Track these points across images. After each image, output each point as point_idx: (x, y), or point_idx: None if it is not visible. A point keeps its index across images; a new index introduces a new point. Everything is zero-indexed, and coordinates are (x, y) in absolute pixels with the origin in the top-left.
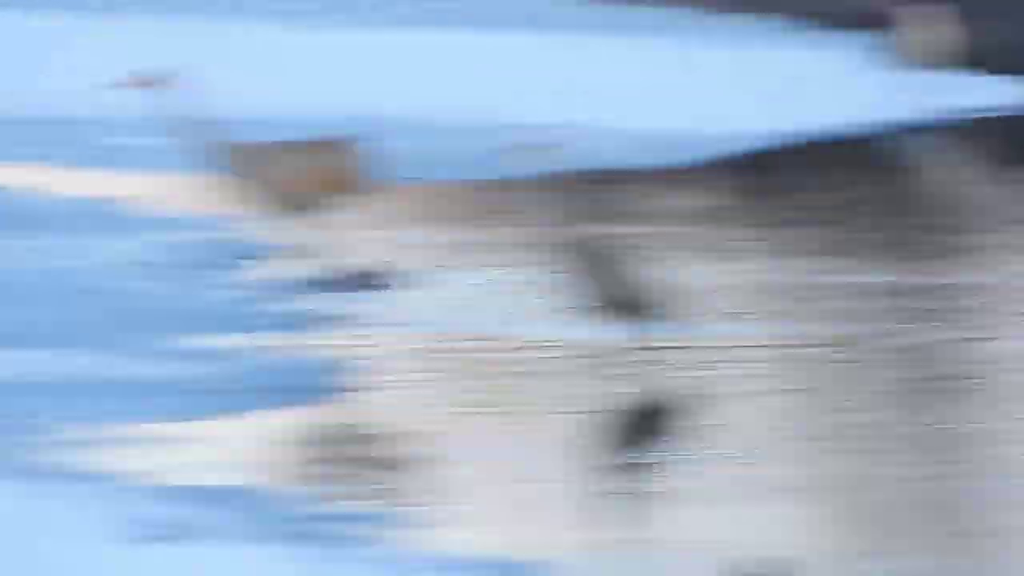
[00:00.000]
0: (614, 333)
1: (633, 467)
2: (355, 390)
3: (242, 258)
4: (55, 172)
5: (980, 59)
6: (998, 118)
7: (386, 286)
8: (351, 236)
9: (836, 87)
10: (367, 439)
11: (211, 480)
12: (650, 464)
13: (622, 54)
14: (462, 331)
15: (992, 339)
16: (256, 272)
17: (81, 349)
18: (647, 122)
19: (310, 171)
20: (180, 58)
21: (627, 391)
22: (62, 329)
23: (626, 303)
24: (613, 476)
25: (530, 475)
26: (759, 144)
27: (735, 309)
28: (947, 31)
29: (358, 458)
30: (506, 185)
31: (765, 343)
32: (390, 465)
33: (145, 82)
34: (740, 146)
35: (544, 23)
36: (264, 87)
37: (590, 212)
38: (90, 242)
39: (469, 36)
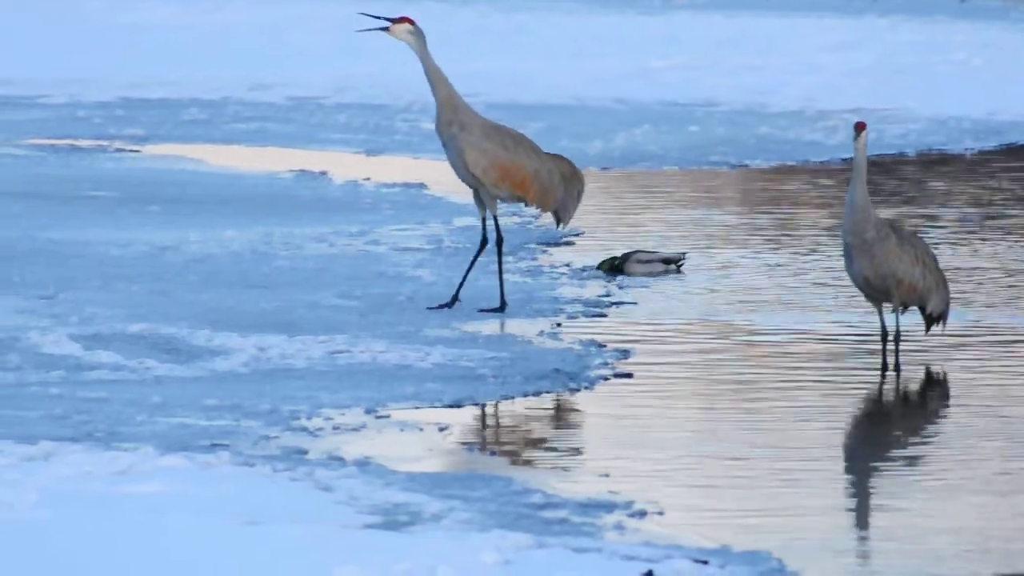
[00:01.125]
0: (886, 319)
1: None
2: (623, 376)
3: (535, 244)
4: (360, 157)
5: None
6: None
7: (677, 270)
8: (637, 222)
9: None
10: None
11: (456, 467)
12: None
13: (951, 39)
14: (735, 318)
15: None
16: (547, 258)
17: (352, 334)
18: (971, 108)
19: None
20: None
21: (891, 377)
22: (337, 314)
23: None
24: (874, 466)
25: (790, 466)
26: None
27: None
28: None
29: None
30: (816, 167)
31: None
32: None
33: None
34: None
35: (866, 7)
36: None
37: (900, 196)
38: (384, 227)
39: (796, 22)
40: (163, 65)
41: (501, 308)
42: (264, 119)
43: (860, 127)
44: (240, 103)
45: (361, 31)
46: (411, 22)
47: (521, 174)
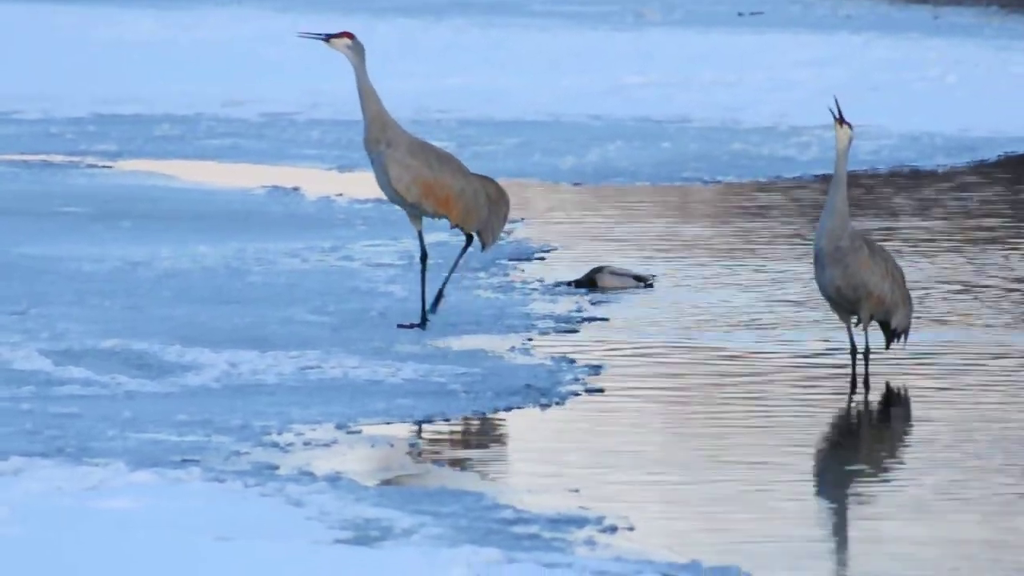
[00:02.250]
0: (857, 336)
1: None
2: (594, 391)
3: (507, 260)
4: (333, 173)
5: None
6: None
7: (648, 286)
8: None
9: None
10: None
11: (426, 482)
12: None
13: (925, 56)
14: (706, 334)
15: None
16: (519, 274)
17: (324, 350)
18: (944, 124)
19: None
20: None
21: (865, 396)
22: (309, 330)
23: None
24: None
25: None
26: None
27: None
28: None
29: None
30: (790, 183)
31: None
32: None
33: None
34: None
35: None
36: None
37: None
38: (356, 243)
39: (771, 38)
40: (136, 81)
41: (422, 324)
42: (237, 135)
43: (844, 122)
44: (213, 119)
45: (303, 35)
46: (351, 36)
47: (444, 192)
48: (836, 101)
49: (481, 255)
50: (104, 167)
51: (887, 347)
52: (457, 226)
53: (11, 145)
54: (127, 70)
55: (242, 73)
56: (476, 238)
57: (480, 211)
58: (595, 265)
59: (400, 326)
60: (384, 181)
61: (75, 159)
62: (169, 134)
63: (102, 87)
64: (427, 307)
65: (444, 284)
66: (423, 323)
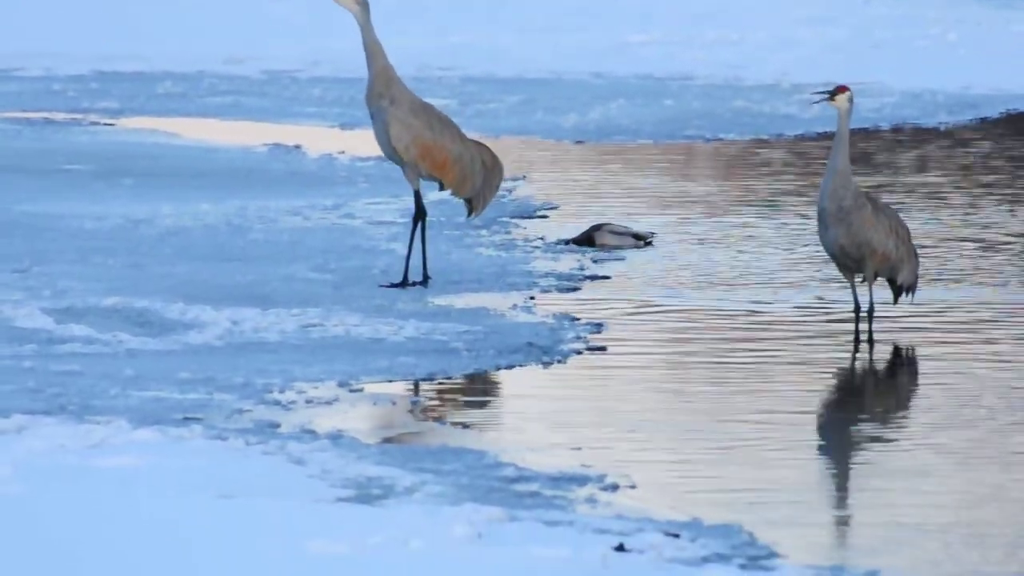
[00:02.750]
0: (860, 295)
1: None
2: (596, 349)
3: (508, 218)
4: (335, 131)
5: None
6: None
7: (648, 244)
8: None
9: None
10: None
11: (428, 440)
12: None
13: (927, 13)
14: (708, 292)
15: None
16: (521, 231)
17: (326, 307)
18: (945, 82)
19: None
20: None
21: (866, 354)
22: (311, 287)
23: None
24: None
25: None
26: None
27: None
28: None
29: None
30: (791, 141)
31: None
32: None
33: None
34: None
35: None
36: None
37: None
38: (358, 201)
39: None
40: (138, 38)
41: (424, 282)
42: (239, 93)
43: (839, 90)
44: (215, 77)
45: None
46: None
47: (442, 155)
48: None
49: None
50: (106, 124)
51: (895, 303)
52: (451, 190)
53: (13, 102)
54: (129, 27)
55: (244, 30)
56: (465, 204)
57: (475, 178)
58: (595, 223)
59: (382, 286)
60: (384, 138)
61: (77, 116)
62: (171, 91)
63: (104, 44)
64: (415, 269)
65: (409, 252)
66: (422, 282)
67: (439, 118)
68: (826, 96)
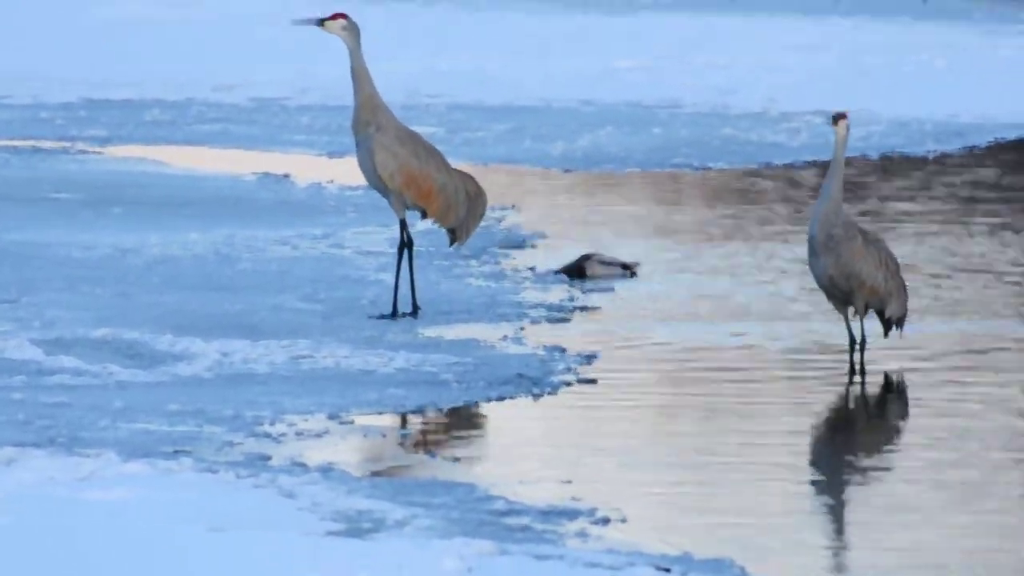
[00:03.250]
0: (851, 326)
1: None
2: (586, 381)
3: (498, 248)
4: (323, 160)
5: None
6: None
7: (632, 274)
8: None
9: None
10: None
11: (418, 473)
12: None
13: (915, 40)
14: (698, 323)
15: None
16: (510, 262)
17: (315, 339)
18: (933, 109)
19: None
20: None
21: (854, 388)
22: (300, 318)
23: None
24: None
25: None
26: None
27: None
28: None
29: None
30: (780, 170)
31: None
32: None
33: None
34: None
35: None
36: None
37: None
38: (347, 230)
39: (761, 23)
40: (127, 65)
41: (413, 313)
42: (227, 120)
43: (840, 117)
44: (203, 104)
45: (297, 22)
46: (345, 17)
47: (427, 184)
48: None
49: (471, 243)
50: (94, 153)
51: (885, 335)
52: (434, 220)
53: (1, 130)
54: (117, 54)
55: (233, 57)
56: (448, 234)
57: (459, 208)
58: (584, 254)
59: (371, 317)
60: (369, 166)
61: (65, 144)
62: (159, 119)
63: (93, 72)
64: (404, 299)
65: (396, 283)
66: (412, 312)
67: (424, 147)
68: (831, 119)
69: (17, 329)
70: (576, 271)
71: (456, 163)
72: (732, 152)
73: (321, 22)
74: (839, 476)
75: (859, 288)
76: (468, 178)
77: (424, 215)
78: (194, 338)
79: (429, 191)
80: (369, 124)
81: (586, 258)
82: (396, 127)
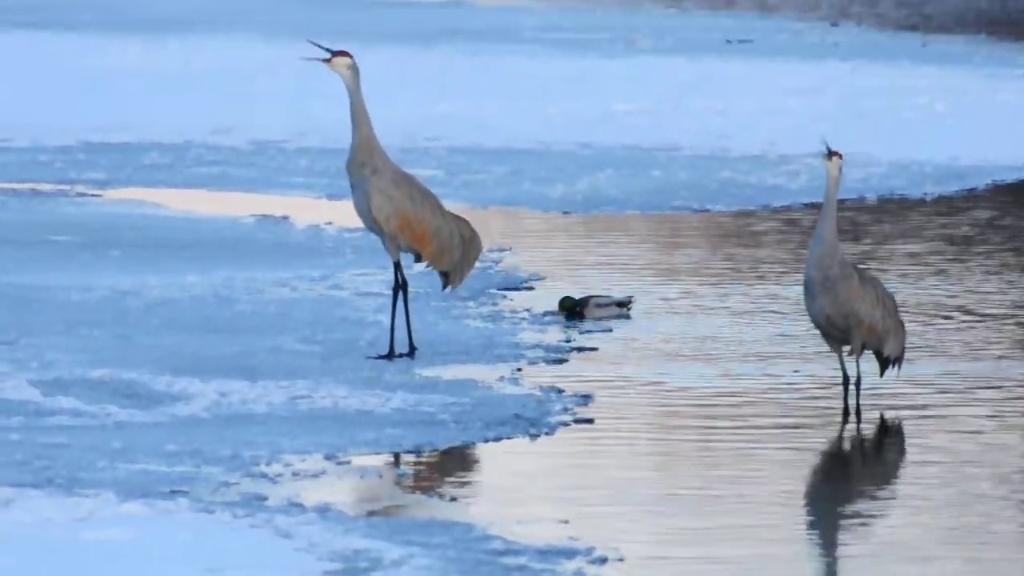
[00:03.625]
0: (846, 364)
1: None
2: (583, 421)
3: (496, 289)
4: (322, 202)
5: None
6: None
7: (627, 316)
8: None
9: None
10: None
11: (416, 513)
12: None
13: (914, 83)
14: (696, 364)
15: None
16: (508, 303)
17: (313, 379)
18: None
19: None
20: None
21: (851, 424)
22: (298, 359)
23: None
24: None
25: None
26: None
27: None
28: None
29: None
30: (778, 212)
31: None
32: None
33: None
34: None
35: (829, 52)
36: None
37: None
38: (345, 272)
39: (760, 66)
40: (125, 109)
41: (410, 354)
42: (226, 163)
43: (834, 154)
44: (202, 147)
45: (305, 59)
46: (350, 56)
47: (422, 228)
48: (825, 141)
49: (469, 285)
50: (93, 195)
51: (881, 375)
52: (428, 264)
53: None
54: (116, 98)
55: (231, 101)
56: (441, 277)
57: (453, 252)
58: (580, 295)
59: (369, 358)
60: (364, 208)
61: (64, 187)
62: (158, 162)
63: (91, 115)
64: (400, 341)
65: (392, 324)
66: (409, 353)
67: (420, 190)
68: (825, 153)
69: (15, 370)
70: (573, 313)
71: (456, 205)
72: (731, 194)
73: (328, 59)
74: (834, 515)
75: (857, 327)
76: (463, 222)
77: (418, 258)
78: (192, 379)
79: (424, 235)
80: (365, 165)
81: (584, 301)
82: (392, 170)
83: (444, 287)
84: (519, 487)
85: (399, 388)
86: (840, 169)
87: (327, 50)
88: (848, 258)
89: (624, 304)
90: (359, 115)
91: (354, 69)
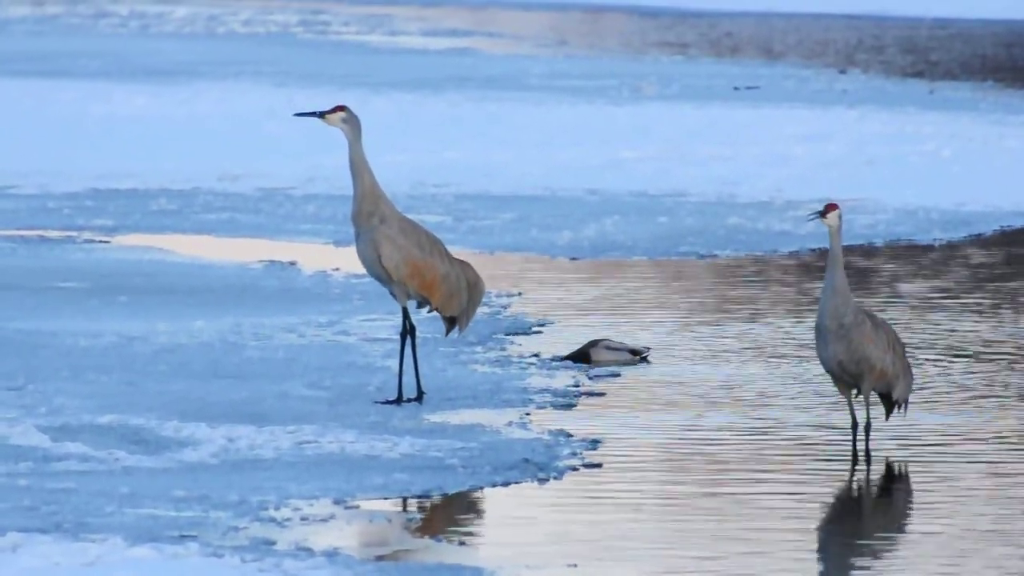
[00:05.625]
0: (858, 409)
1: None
2: (592, 466)
3: (503, 334)
4: (329, 248)
5: None
6: None
7: (644, 359)
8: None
9: None
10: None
11: (424, 558)
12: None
13: (921, 130)
14: (704, 410)
15: None
16: (516, 348)
17: (321, 424)
18: (940, 198)
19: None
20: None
21: (861, 470)
22: (306, 404)
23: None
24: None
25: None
26: None
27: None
28: None
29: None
30: (786, 258)
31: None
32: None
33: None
34: None
35: (835, 98)
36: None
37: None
38: (353, 318)
39: (767, 113)
40: (132, 156)
41: (418, 399)
42: (234, 209)
43: (829, 208)
44: (210, 193)
45: (299, 115)
46: (345, 110)
47: (431, 274)
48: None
49: (477, 330)
50: (101, 242)
51: (887, 418)
52: (435, 309)
53: (8, 220)
54: (123, 145)
55: (238, 148)
56: (445, 323)
57: (461, 296)
58: (589, 339)
59: (377, 403)
60: (373, 258)
61: (72, 234)
62: (166, 208)
63: (99, 162)
64: (409, 385)
65: (400, 369)
66: (417, 398)
67: (427, 236)
68: (818, 215)
69: (23, 416)
70: (582, 358)
71: (463, 251)
72: (738, 241)
73: (322, 115)
74: (848, 563)
75: (869, 372)
76: (467, 266)
77: (422, 304)
78: (200, 424)
79: (433, 281)
80: (372, 215)
81: (592, 344)
82: (399, 218)
83: (447, 333)
84: (527, 531)
85: (407, 433)
86: (840, 219)
87: (318, 112)
88: (858, 303)
89: (638, 353)
90: (359, 166)
91: (351, 121)
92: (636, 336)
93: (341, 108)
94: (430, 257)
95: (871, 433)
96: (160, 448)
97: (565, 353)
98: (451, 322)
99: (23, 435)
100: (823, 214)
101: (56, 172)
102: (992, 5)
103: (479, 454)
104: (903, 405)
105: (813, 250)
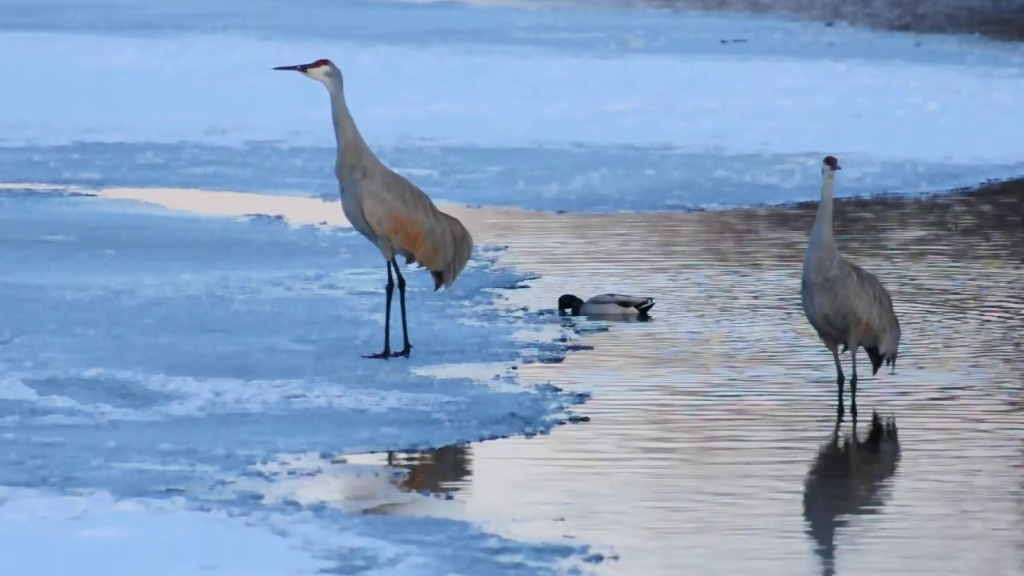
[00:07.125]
0: (843, 365)
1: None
2: (579, 420)
3: (491, 288)
4: (316, 201)
5: None
6: None
7: (642, 314)
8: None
9: None
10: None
11: (411, 511)
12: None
13: (908, 83)
14: (690, 363)
15: None
16: (503, 302)
17: (308, 378)
18: (926, 152)
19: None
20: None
21: (850, 424)
22: (293, 358)
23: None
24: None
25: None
26: None
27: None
28: None
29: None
30: (773, 210)
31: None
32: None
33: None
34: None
35: (822, 51)
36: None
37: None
38: (340, 271)
39: (754, 66)
40: (119, 109)
41: (405, 353)
42: (220, 163)
43: (831, 161)
44: (196, 147)
45: (279, 69)
46: (328, 63)
47: (415, 229)
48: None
49: (464, 284)
50: (88, 195)
51: (874, 373)
52: (421, 264)
53: None
54: (111, 98)
55: (225, 101)
56: (434, 277)
57: (446, 251)
58: (576, 291)
59: (364, 357)
60: (356, 211)
61: (59, 187)
62: (153, 162)
63: (86, 115)
64: (396, 339)
65: (387, 323)
66: (404, 352)
67: (411, 190)
68: (829, 167)
69: (10, 369)
70: (569, 305)
71: (450, 205)
72: (725, 194)
73: (304, 68)
74: (833, 515)
75: (855, 325)
76: (454, 221)
77: (410, 259)
78: (187, 378)
79: (417, 236)
80: (355, 168)
81: (578, 300)
82: (382, 171)
83: (436, 287)
84: (514, 485)
85: (394, 387)
86: (833, 176)
87: (300, 67)
88: (844, 257)
89: (631, 304)
90: (342, 120)
91: (334, 76)
92: (624, 289)
93: (324, 62)
94: (414, 212)
95: (857, 387)
96: (147, 402)
97: (552, 307)
98: (439, 276)
99: (9, 389)
100: (833, 165)
101: (43, 125)
102: None
103: (466, 408)
104: (891, 360)
105: (800, 203)
